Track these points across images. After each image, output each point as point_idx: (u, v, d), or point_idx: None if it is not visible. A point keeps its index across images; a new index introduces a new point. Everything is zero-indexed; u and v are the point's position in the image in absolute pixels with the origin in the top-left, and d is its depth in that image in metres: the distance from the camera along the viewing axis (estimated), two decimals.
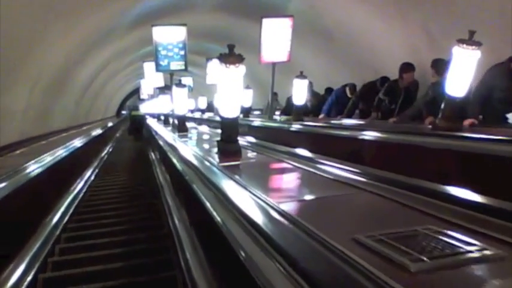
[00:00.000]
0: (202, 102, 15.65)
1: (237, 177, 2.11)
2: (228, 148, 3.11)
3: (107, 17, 7.63)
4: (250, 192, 1.73)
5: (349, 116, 7.00)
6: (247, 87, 9.72)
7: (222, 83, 2.93)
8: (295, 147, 3.59)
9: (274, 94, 9.71)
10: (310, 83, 8.33)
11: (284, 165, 2.62)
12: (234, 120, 3.06)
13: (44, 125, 7.90)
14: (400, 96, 5.67)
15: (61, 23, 5.86)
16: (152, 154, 8.90)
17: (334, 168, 2.27)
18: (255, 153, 3.35)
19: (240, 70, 2.87)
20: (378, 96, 5.86)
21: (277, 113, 9.94)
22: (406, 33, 6.79)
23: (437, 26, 6.16)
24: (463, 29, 5.81)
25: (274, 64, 7.59)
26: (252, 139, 5.15)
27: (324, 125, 6.15)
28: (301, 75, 6.52)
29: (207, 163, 2.83)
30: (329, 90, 8.42)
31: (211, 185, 2.13)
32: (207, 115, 14.07)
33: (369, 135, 4.53)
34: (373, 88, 6.56)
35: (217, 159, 3.01)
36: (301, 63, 7.76)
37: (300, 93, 6.58)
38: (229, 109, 3.01)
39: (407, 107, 5.32)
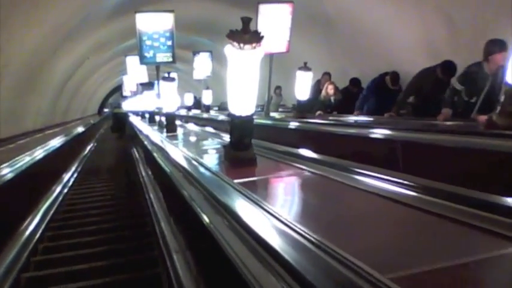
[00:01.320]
0: (189, 99, 14.83)
1: (272, 208, 1.39)
2: (239, 156, 2.39)
3: (82, 2, 6.79)
4: (313, 243, 1.02)
5: (399, 113, 5.70)
6: None
7: (233, 70, 2.20)
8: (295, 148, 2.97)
9: (278, 88, 8.96)
10: (329, 74, 7.61)
11: (329, 183, 1.90)
12: (249, 120, 2.34)
13: (14, 126, 7.05)
14: (485, 85, 4.13)
15: (25, 9, 5.03)
16: (136, 153, 8.14)
17: (419, 193, 1.58)
18: (268, 161, 2.62)
19: (258, 53, 2.15)
20: (450, 86, 4.45)
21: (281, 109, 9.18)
22: (421, 19, 6.12)
23: (459, 11, 5.49)
24: (492, 16, 5.20)
25: (272, 55, 6.88)
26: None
27: (330, 122, 5.47)
28: (305, 67, 5.81)
29: (213, 176, 2.10)
30: (355, 81, 7.28)
31: (233, 220, 1.41)
32: (193, 112, 13.28)
33: (391, 134, 3.86)
34: (432, 77, 5.17)
35: (225, 171, 2.29)
36: (298, 55, 7.06)
37: (303, 86, 5.87)
38: (242, 105, 2.28)
39: (492, 100, 3.88)
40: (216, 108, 14.77)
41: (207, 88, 12.16)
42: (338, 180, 1.90)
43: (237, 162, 2.39)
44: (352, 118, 5.80)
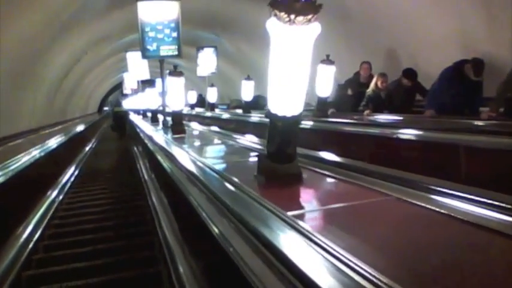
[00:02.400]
0: (192, 97, 14.22)
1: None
2: (281, 171, 1.78)
3: None
4: None
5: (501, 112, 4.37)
6: (247, 78, 8.42)
7: (278, 54, 1.59)
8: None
9: None
10: (369, 64, 6.50)
11: (429, 217, 1.29)
12: (295, 122, 1.73)
13: (6, 126, 6.44)
14: None
15: None
16: (136, 150, 7.56)
17: None
18: (315, 175, 2.00)
19: (313, 28, 1.54)
20: None
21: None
22: (453, 7, 5.48)
23: None
24: None
25: None
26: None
27: (352, 122, 4.86)
28: (328, 60, 5.20)
29: (252, 202, 1.49)
30: (410, 73, 5.67)
31: None
32: (196, 111, 12.70)
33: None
34: None
35: (262, 192, 1.68)
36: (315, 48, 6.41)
37: (325, 82, 5.27)
38: (288, 102, 1.67)
39: None
40: (224, 107, 14.18)
41: (212, 85, 11.54)
42: (442, 212, 1.29)
43: (278, 178, 1.78)
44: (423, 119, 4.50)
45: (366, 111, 5.53)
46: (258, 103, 9.24)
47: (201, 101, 14.38)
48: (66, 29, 7.03)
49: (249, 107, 8.47)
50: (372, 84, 5.88)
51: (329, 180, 1.88)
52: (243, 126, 7.50)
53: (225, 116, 9.60)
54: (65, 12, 6.38)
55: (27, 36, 5.70)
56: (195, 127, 7.09)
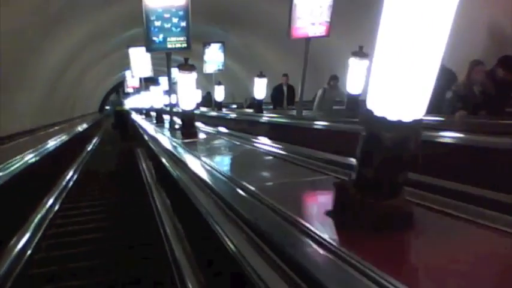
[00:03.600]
0: (197, 96, 13.58)
1: None
2: (380, 209, 1.10)
3: None
4: None
5: None
6: (260, 74, 7.77)
7: (397, 16, 0.91)
8: None
9: (333, 79, 6.93)
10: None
11: None
12: (414, 130, 1.04)
13: None
14: None
15: None
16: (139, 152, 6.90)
17: None
18: (439, 216, 1.28)
19: None
20: None
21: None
22: None
23: None
24: None
25: (308, 40, 5.62)
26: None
27: None
28: (360, 53, 4.52)
29: (341, 267, 0.83)
30: (508, 61, 4.33)
31: None
32: (200, 110, 12.08)
33: None
34: None
35: (349, 247, 1.01)
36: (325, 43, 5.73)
37: (357, 77, 4.59)
38: (409, 97, 0.99)
39: None
40: (235, 106, 13.56)
41: (219, 83, 10.86)
42: None
43: (373, 221, 1.10)
44: None
45: (459, 113, 4.17)
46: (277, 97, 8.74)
47: (209, 100, 13.78)
48: (59, 21, 6.35)
49: (260, 106, 7.83)
50: (463, 77, 4.55)
51: (470, 229, 1.15)
52: (253, 127, 6.91)
53: (231, 115, 9.10)
54: (56, 2, 5.71)
55: (11, 29, 5.03)
56: (204, 128, 6.45)
